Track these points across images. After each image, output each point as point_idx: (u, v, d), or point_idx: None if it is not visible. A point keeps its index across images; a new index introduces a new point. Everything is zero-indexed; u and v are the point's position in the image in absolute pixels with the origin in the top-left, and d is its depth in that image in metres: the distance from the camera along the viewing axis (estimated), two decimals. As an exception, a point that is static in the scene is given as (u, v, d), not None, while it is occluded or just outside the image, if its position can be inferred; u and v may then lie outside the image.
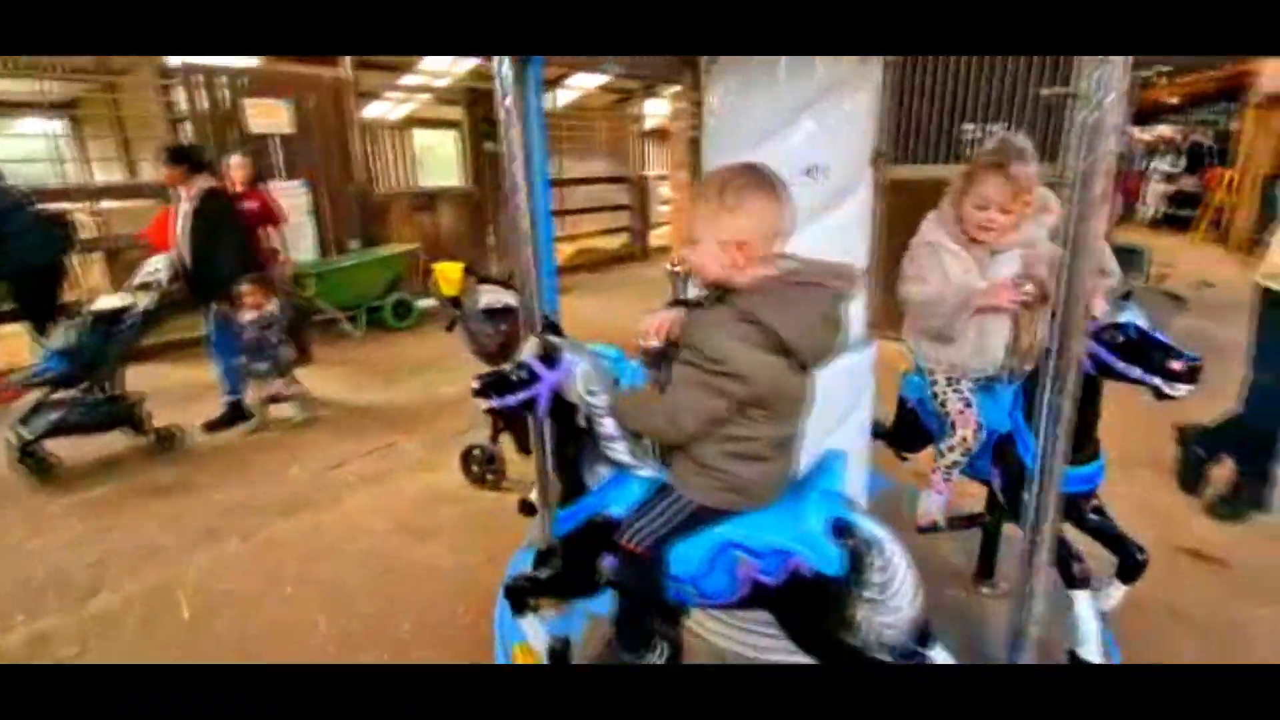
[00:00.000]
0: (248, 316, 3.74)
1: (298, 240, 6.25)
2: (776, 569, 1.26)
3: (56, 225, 4.38)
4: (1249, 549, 2.45)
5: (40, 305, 4.24)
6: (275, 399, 3.96)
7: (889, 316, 1.95)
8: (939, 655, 1.35)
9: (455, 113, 7.98)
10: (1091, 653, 1.65)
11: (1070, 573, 1.64)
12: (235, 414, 3.95)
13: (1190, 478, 2.85)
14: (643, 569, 1.32)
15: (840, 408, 1.72)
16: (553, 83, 8.53)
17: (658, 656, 1.44)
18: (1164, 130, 13.48)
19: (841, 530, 1.24)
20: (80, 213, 5.27)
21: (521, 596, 1.65)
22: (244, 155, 4.82)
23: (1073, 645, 1.67)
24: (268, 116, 5.93)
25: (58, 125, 6.93)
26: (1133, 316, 1.44)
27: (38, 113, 6.59)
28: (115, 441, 3.52)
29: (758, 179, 1.20)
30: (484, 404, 1.36)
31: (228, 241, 3.77)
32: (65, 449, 3.35)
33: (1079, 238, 1.14)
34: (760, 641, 1.71)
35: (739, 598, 1.33)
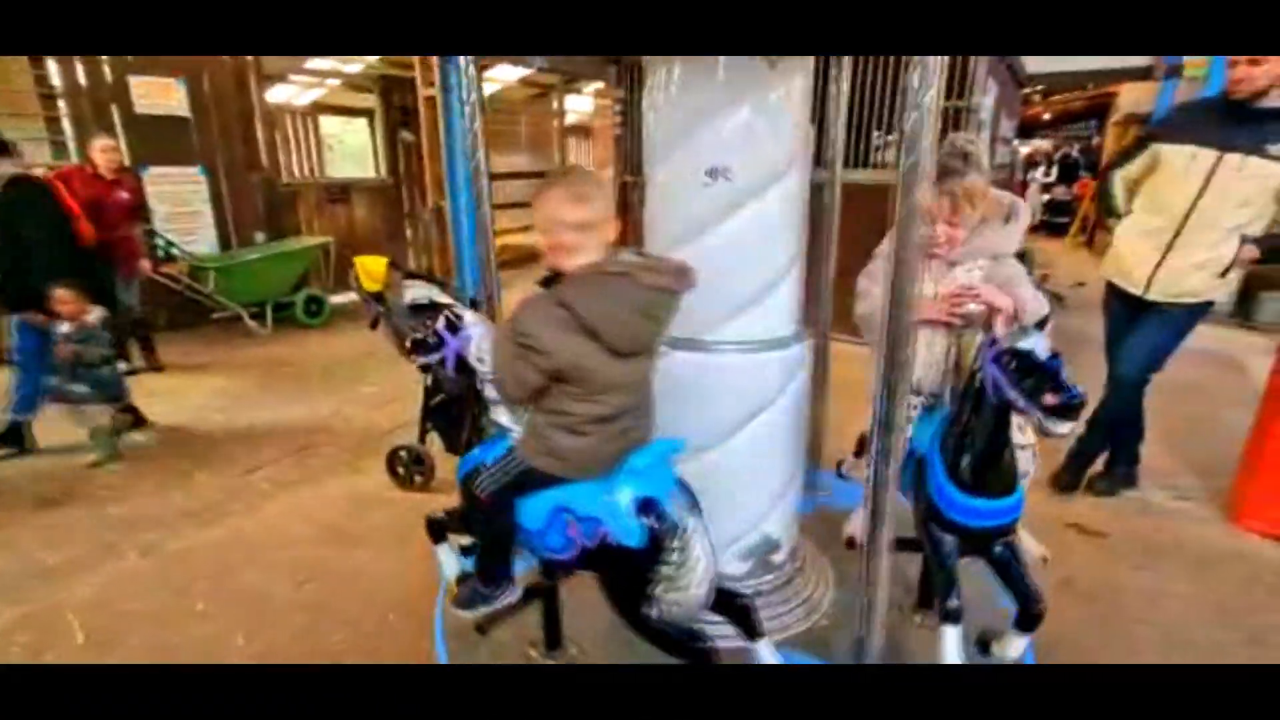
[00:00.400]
0: (63, 328, 3.13)
1: (196, 231, 5.82)
2: (591, 534, 1.40)
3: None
4: (1122, 522, 2.75)
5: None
6: (118, 430, 3.36)
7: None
8: (765, 651, 1.52)
9: (368, 100, 7.63)
10: None
11: (943, 605, 1.57)
12: (9, 437, 3.33)
13: (1072, 477, 2.91)
14: (485, 514, 1.53)
15: (758, 400, 1.76)
16: (471, 74, 8.30)
17: (505, 596, 1.63)
18: (1040, 144, 14.82)
19: (647, 509, 1.36)
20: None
21: (439, 528, 1.79)
22: (110, 137, 4.35)
23: None
24: (158, 97, 5.46)
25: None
26: (1034, 344, 1.37)
27: None
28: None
29: (547, 181, 1.39)
30: (415, 360, 1.60)
31: (37, 239, 3.14)
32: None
33: (902, 243, 1.13)
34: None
35: (570, 556, 1.47)
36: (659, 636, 1.42)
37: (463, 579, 1.71)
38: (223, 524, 2.75)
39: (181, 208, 5.68)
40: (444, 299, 2.94)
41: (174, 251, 5.29)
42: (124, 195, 4.33)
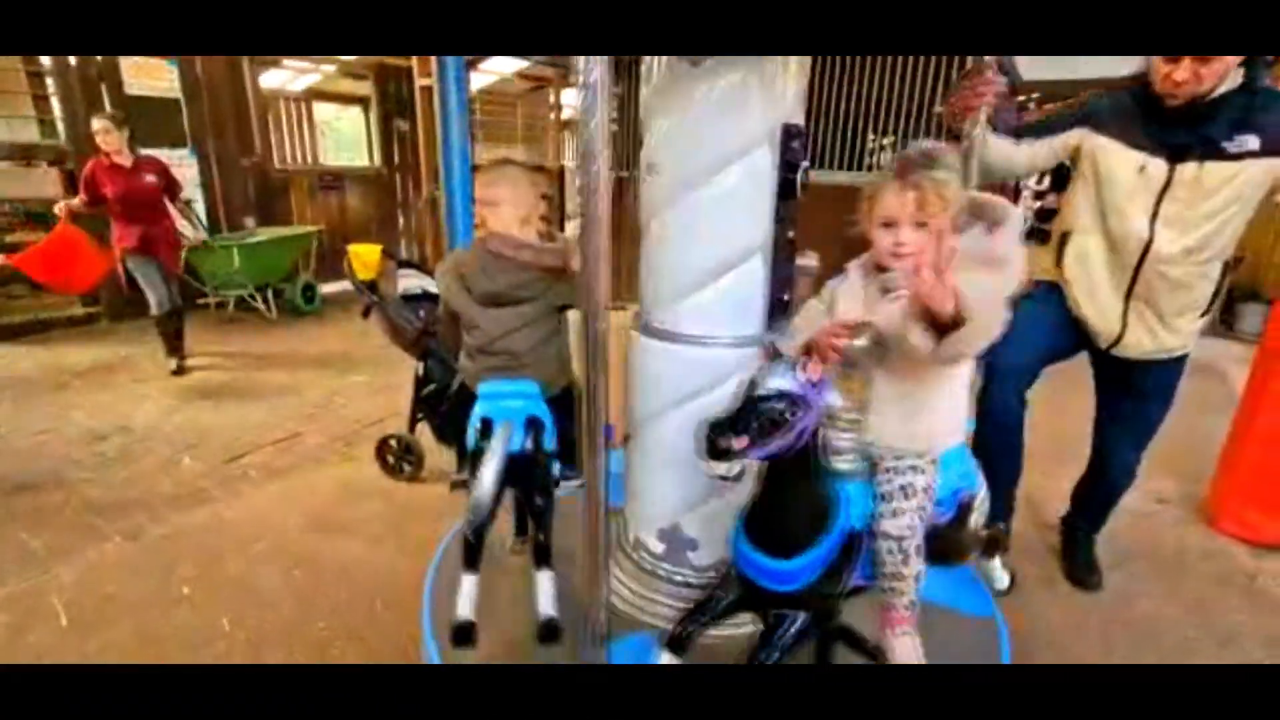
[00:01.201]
0: None
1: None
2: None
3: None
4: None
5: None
6: None
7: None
8: (543, 580, 1.71)
9: (363, 88, 7.57)
10: None
11: (679, 627, 1.42)
12: None
13: (1081, 568, 2.41)
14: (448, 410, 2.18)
15: (668, 394, 1.70)
16: (466, 66, 8.25)
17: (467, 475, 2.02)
18: (1033, 151, 14.87)
19: (482, 427, 1.69)
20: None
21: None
22: (103, 115, 4.01)
23: None
24: (149, 77, 5.40)
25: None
26: (767, 377, 1.15)
27: None
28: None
29: (483, 168, 1.81)
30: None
31: None
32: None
33: (586, 250, 1.09)
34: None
35: None
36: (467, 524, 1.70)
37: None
38: (209, 510, 2.74)
39: (171, 191, 5.64)
40: (436, 289, 2.93)
41: (188, 231, 5.15)
42: (150, 179, 4.12)
